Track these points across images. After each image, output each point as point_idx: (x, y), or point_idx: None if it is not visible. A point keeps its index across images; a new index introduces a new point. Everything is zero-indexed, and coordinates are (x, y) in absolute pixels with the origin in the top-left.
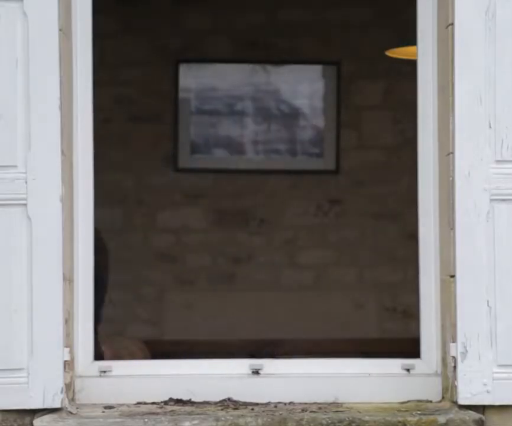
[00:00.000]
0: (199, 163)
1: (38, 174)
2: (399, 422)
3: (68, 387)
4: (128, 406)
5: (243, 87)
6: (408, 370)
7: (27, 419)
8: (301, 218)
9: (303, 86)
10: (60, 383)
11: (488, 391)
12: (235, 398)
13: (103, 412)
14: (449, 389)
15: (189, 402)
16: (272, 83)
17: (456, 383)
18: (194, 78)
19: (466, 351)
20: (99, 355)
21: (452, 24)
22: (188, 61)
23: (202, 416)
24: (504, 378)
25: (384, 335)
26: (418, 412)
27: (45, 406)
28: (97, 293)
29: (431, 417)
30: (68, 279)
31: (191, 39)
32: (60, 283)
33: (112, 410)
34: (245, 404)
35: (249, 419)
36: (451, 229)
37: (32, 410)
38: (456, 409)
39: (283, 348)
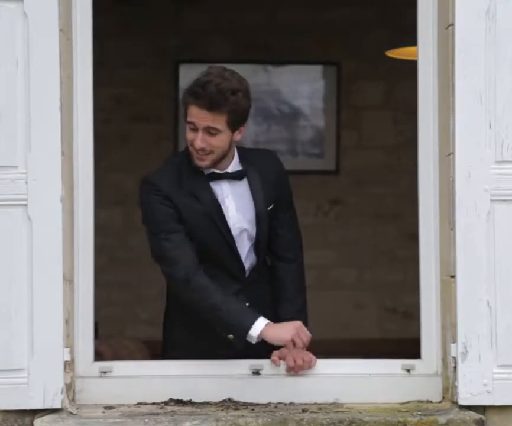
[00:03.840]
0: None
1: (38, 175)
2: (400, 422)
3: (69, 388)
4: (128, 406)
5: None
6: (408, 371)
7: (27, 420)
8: (302, 218)
9: (303, 87)
10: (60, 384)
11: (488, 392)
12: (236, 398)
13: (104, 412)
14: (449, 389)
15: (189, 402)
16: (272, 83)
17: (456, 384)
18: None
19: (467, 351)
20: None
21: (452, 24)
22: (188, 61)
23: (202, 416)
24: (504, 378)
25: (384, 336)
26: (419, 412)
27: (46, 407)
28: None
29: (432, 417)
30: (68, 279)
31: (191, 39)
32: (60, 283)
33: (112, 410)
34: (246, 405)
35: (249, 420)
36: (452, 229)
37: (32, 410)
38: (457, 409)
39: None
